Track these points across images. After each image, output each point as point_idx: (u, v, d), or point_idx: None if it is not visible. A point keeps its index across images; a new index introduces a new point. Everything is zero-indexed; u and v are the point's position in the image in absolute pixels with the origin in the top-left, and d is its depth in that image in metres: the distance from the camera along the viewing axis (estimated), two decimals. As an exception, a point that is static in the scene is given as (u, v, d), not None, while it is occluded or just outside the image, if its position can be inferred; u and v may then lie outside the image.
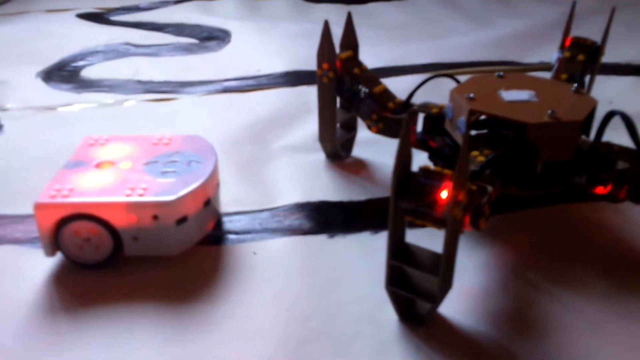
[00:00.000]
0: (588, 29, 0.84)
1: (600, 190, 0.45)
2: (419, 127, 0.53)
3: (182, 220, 0.44)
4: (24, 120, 0.70)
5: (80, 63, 0.87)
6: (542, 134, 0.43)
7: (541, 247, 0.47)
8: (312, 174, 0.58)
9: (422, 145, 0.51)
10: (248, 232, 0.49)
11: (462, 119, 0.45)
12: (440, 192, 0.34)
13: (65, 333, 0.40)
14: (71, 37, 0.98)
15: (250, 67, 0.85)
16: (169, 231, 0.44)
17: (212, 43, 0.96)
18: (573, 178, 0.45)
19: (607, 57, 0.81)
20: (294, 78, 0.80)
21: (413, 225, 0.37)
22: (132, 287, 0.43)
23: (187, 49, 0.94)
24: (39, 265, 0.45)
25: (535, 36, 0.96)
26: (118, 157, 0.49)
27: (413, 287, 0.38)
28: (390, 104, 0.54)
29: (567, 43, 0.60)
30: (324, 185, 0.55)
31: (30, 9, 1.14)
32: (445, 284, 0.37)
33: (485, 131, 0.48)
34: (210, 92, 0.77)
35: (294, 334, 0.39)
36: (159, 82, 0.80)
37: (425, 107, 0.52)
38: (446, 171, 0.35)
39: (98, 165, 0.48)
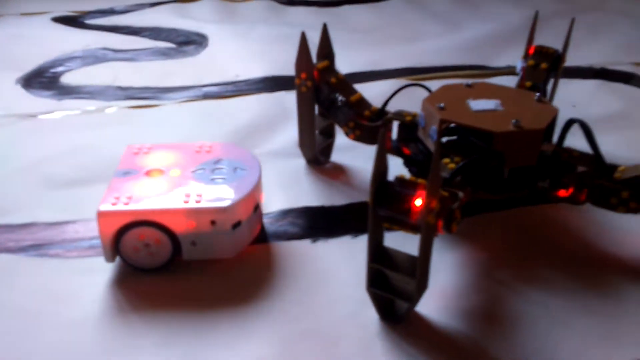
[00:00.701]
0: (552, 32, 0.88)
1: (562, 193, 0.48)
2: (394, 134, 0.56)
3: (237, 224, 0.47)
4: (6, 128, 0.71)
5: (59, 69, 0.88)
6: (508, 142, 0.46)
7: (509, 247, 0.50)
8: (294, 179, 0.60)
9: (397, 152, 0.53)
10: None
11: (434, 128, 0.48)
12: (414, 201, 0.37)
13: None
14: (48, 41, 0.99)
15: (229, 72, 0.86)
16: (225, 235, 0.46)
17: (190, 47, 0.98)
18: (537, 182, 0.49)
19: (570, 61, 0.85)
20: (272, 83, 0.83)
21: (391, 229, 0.40)
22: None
23: (165, 54, 0.95)
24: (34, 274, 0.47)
25: (502, 40, 1.00)
26: (166, 165, 0.51)
27: (392, 288, 0.41)
28: (366, 112, 0.57)
29: (531, 51, 0.63)
30: (306, 191, 0.58)
31: (3, 12, 1.14)
32: (422, 285, 0.40)
33: (455, 138, 0.51)
34: (191, 98, 0.78)
35: (282, 335, 0.41)
36: (139, 88, 0.82)
37: (399, 115, 0.55)
38: (420, 180, 0.38)
39: (148, 173, 0.49)
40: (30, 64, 0.89)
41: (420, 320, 0.43)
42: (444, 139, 0.51)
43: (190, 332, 0.42)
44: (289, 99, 0.77)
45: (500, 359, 0.40)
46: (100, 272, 0.47)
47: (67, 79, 0.85)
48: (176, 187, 0.47)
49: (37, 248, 0.50)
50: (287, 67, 0.86)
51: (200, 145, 0.54)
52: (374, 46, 0.98)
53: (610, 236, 0.51)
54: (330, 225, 0.53)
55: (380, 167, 0.38)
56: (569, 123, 0.49)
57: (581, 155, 0.48)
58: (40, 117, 0.74)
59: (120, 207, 0.45)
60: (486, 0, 1.23)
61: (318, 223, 0.54)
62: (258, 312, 0.43)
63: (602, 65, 0.90)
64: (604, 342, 0.41)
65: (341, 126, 0.57)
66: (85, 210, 0.55)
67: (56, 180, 0.60)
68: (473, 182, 0.47)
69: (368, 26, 1.09)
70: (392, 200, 0.38)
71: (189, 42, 1.00)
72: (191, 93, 0.80)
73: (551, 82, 0.63)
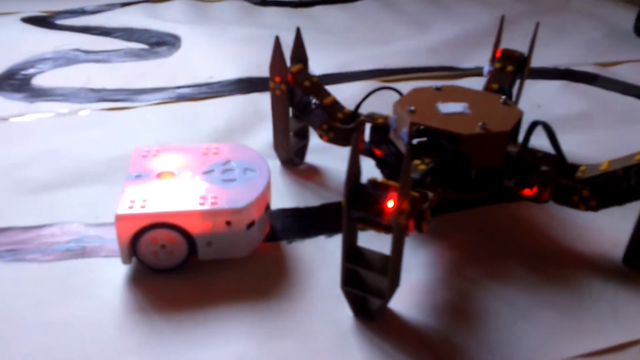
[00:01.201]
0: (518, 34, 0.91)
1: (527, 192, 0.50)
2: (367, 136, 0.57)
3: (251, 224, 0.48)
4: (-22, 131, 0.71)
5: (31, 71, 0.87)
6: (474, 144, 0.48)
7: (477, 244, 0.52)
8: (269, 181, 0.61)
9: (369, 154, 0.55)
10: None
11: (405, 130, 0.50)
12: (386, 202, 0.39)
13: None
14: (18, 43, 0.98)
15: (202, 74, 0.87)
16: (240, 235, 0.47)
17: (163, 48, 0.98)
18: (503, 182, 0.51)
19: (536, 62, 0.87)
20: (246, 85, 0.83)
21: (364, 229, 0.41)
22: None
23: (138, 55, 0.95)
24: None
25: (471, 41, 1.02)
26: (176, 168, 0.51)
27: (365, 286, 0.42)
28: (340, 114, 0.59)
29: (497, 55, 0.65)
30: (281, 192, 0.59)
31: (-29, 13, 1.13)
32: (394, 283, 0.42)
33: (425, 139, 0.53)
34: (165, 100, 0.79)
35: (261, 333, 0.43)
36: (112, 90, 0.82)
37: (371, 117, 0.56)
38: (391, 183, 0.40)
39: (159, 176, 0.50)
40: (0, 66, 0.88)
41: (393, 317, 0.44)
42: (415, 141, 0.52)
43: (173, 332, 0.43)
44: (263, 100, 0.78)
45: (467, 352, 0.41)
46: (79, 274, 0.48)
47: (39, 81, 0.84)
48: (190, 189, 0.48)
49: (13, 253, 0.50)
50: (260, 68, 0.87)
51: (207, 147, 0.55)
52: (346, 47, 0.99)
53: (572, 233, 0.54)
54: (305, 225, 0.55)
55: (354, 169, 0.39)
56: (533, 125, 0.51)
57: (545, 155, 0.50)
58: (11, 120, 0.74)
59: (137, 210, 0.45)
60: (456, 1, 1.26)
61: (293, 224, 0.55)
62: (237, 312, 0.44)
63: (566, 66, 0.93)
64: (564, 334, 0.43)
65: (315, 128, 0.59)
66: (61, 214, 0.55)
67: (30, 184, 0.60)
68: (442, 182, 0.49)
69: (340, 27, 1.10)
70: (365, 202, 0.39)
71: (161, 43, 1.00)
72: (165, 95, 0.81)
73: (517, 83, 0.65)
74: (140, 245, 0.46)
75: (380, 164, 0.54)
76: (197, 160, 0.52)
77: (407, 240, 0.42)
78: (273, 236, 0.53)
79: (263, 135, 0.69)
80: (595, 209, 0.48)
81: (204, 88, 0.83)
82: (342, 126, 0.58)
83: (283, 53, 0.57)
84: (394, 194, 0.38)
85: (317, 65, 0.88)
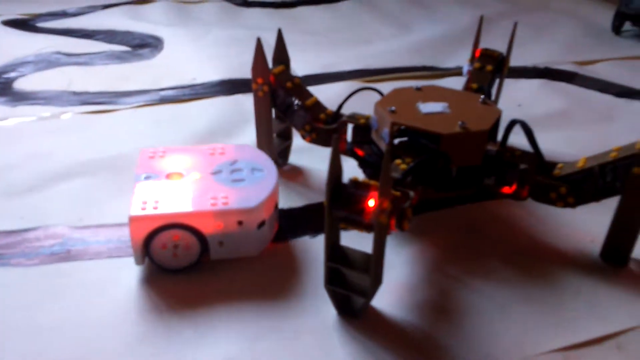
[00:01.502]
0: (498, 33, 0.92)
1: (506, 190, 0.51)
2: (349, 136, 0.58)
3: (262, 224, 0.48)
4: (-40, 136, 0.70)
5: (12, 74, 0.87)
6: (454, 143, 0.49)
7: (458, 242, 0.53)
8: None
9: (352, 154, 0.56)
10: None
11: (386, 130, 0.51)
12: (367, 201, 0.40)
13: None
14: (-1, 46, 0.98)
15: (185, 76, 0.87)
16: (251, 234, 0.48)
17: (145, 50, 0.98)
18: (483, 180, 0.51)
19: (516, 61, 0.89)
20: (229, 86, 0.84)
21: (346, 229, 0.42)
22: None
23: (120, 57, 0.95)
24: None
25: (452, 41, 1.03)
26: (185, 168, 0.52)
27: (348, 285, 0.43)
28: (322, 115, 0.59)
29: (477, 54, 0.66)
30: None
31: (-49, 16, 1.12)
32: (376, 281, 0.42)
33: (406, 139, 0.53)
34: (148, 103, 0.79)
35: (247, 332, 0.43)
36: (94, 93, 0.82)
37: (353, 118, 0.57)
38: (372, 182, 0.40)
39: (168, 177, 0.50)
40: (-19, 70, 0.88)
41: (376, 314, 0.45)
42: (396, 141, 0.53)
43: (161, 333, 0.43)
44: (246, 102, 0.78)
45: (448, 348, 0.42)
46: (65, 278, 0.48)
47: (21, 84, 0.84)
48: (200, 190, 0.49)
49: (-3, 257, 0.51)
50: (244, 69, 0.87)
51: (213, 148, 0.55)
52: (329, 48, 1.00)
53: (551, 229, 0.55)
54: (290, 226, 0.55)
55: (335, 170, 0.39)
56: (511, 124, 0.52)
57: (523, 153, 0.51)
58: (-6, 124, 0.73)
59: (150, 211, 0.46)
60: (437, 1, 1.27)
61: (278, 225, 0.55)
62: (225, 313, 0.45)
63: (546, 64, 0.94)
64: (543, 329, 0.44)
65: (298, 129, 0.59)
66: (45, 217, 0.55)
67: (13, 188, 0.60)
68: (423, 181, 0.50)
69: (323, 28, 1.11)
70: (347, 202, 0.40)
71: (144, 45, 1.00)
72: (148, 97, 0.81)
73: (497, 82, 0.66)
74: (153, 246, 0.46)
75: (363, 164, 0.55)
76: (205, 161, 0.53)
77: (390, 239, 0.43)
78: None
79: (247, 137, 0.69)
80: (572, 205, 0.49)
81: (187, 90, 0.83)
82: (325, 127, 0.58)
83: (265, 54, 0.57)
84: (375, 193, 0.39)
85: (300, 66, 0.89)
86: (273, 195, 0.50)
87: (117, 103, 0.79)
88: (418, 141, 0.51)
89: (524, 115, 0.64)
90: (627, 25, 1.11)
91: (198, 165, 0.52)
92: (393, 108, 0.51)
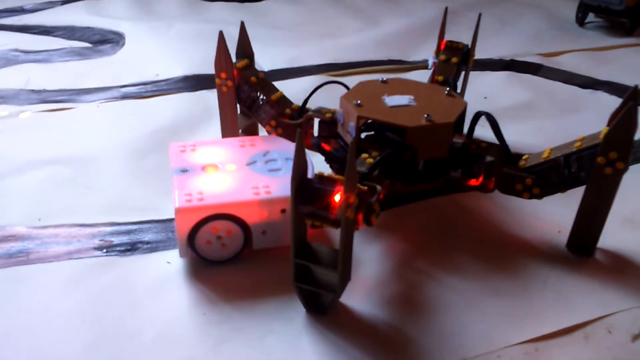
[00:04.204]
0: (464, 26, 0.92)
1: (473, 182, 0.51)
2: (316, 131, 0.57)
3: None
4: None
5: (-33, 72, 0.84)
6: (420, 136, 0.48)
7: (427, 236, 0.53)
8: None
9: (318, 149, 0.55)
10: (160, 241, 0.51)
11: (352, 124, 0.50)
12: (333, 197, 0.39)
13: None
14: (-47, 43, 0.94)
15: (148, 72, 0.85)
16: None
17: (106, 46, 0.95)
18: (450, 172, 0.51)
19: (482, 54, 0.89)
20: (194, 82, 0.82)
21: (313, 225, 0.41)
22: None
23: (80, 54, 0.92)
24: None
25: (419, 34, 1.03)
26: (219, 161, 0.51)
27: (316, 282, 0.42)
28: (288, 110, 0.58)
29: (442, 46, 0.66)
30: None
31: None
32: (344, 277, 0.42)
33: (372, 133, 0.53)
34: (109, 99, 0.77)
35: (211, 335, 0.42)
36: (53, 91, 0.79)
37: (319, 112, 0.56)
38: (338, 177, 0.40)
39: (204, 169, 0.50)
40: None
41: (345, 310, 0.44)
42: (363, 135, 0.52)
43: (121, 336, 0.42)
44: (211, 97, 0.76)
45: (418, 342, 0.42)
46: (23, 281, 0.46)
47: (-24, 83, 0.81)
48: (240, 180, 0.48)
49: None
50: (208, 65, 0.85)
51: (241, 140, 0.55)
52: (295, 42, 0.99)
53: (518, 221, 0.55)
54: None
55: (300, 165, 0.39)
56: (477, 116, 0.52)
57: (489, 145, 0.51)
58: (-52, 124, 0.71)
59: (196, 203, 0.45)
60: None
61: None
62: (189, 314, 0.44)
63: (511, 56, 0.94)
64: (511, 321, 0.44)
65: (263, 125, 0.58)
66: (2, 217, 0.53)
67: (-32, 190, 0.58)
68: (390, 175, 0.49)
69: (289, 22, 1.10)
70: (313, 197, 0.39)
71: (104, 41, 0.98)
72: (109, 94, 0.79)
73: (462, 75, 0.66)
74: (198, 237, 0.46)
75: (329, 158, 0.54)
76: (237, 153, 0.53)
77: (358, 235, 0.42)
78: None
79: (212, 133, 0.68)
80: (538, 196, 0.49)
81: (150, 86, 0.81)
82: (291, 122, 0.57)
83: (228, 48, 0.56)
84: (341, 188, 0.38)
85: (266, 61, 0.88)
86: None
87: (77, 101, 0.77)
88: (384, 135, 0.50)
89: (490, 108, 0.64)
90: (591, 17, 1.13)
91: (231, 157, 0.52)
92: (359, 101, 0.51)
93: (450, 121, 0.49)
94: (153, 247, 0.51)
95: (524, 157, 0.50)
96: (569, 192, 0.48)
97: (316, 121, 0.56)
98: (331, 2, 1.22)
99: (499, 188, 0.50)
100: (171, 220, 0.54)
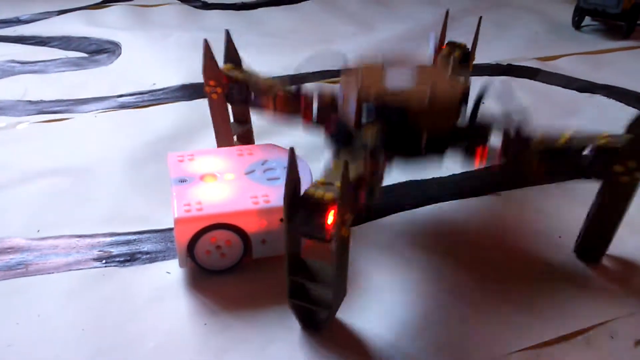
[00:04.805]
0: (462, 30, 0.91)
1: (479, 152, 0.49)
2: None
3: None
4: None
5: (-37, 84, 0.84)
6: (423, 117, 0.47)
7: (424, 245, 0.52)
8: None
9: (318, 126, 0.54)
10: (159, 251, 0.51)
11: (353, 105, 0.49)
12: (327, 216, 0.37)
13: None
14: (-51, 55, 0.94)
15: (145, 81, 0.85)
16: None
17: (103, 56, 0.95)
18: (454, 145, 0.50)
19: (480, 58, 0.89)
20: (190, 91, 0.82)
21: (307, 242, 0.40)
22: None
23: (77, 64, 0.92)
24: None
25: (414, 39, 1.03)
26: (217, 170, 0.51)
27: (311, 298, 0.41)
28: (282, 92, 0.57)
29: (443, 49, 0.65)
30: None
31: None
32: (340, 293, 0.41)
33: (374, 112, 0.51)
34: (106, 109, 0.77)
35: (212, 345, 0.42)
36: (50, 102, 0.79)
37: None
38: (329, 196, 0.38)
39: (202, 178, 0.50)
40: None
41: (340, 326, 0.43)
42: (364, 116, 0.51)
43: (123, 346, 0.41)
44: (207, 106, 0.76)
45: (418, 349, 0.41)
46: (22, 293, 0.46)
47: (-27, 94, 0.81)
48: (238, 190, 0.48)
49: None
50: (204, 73, 0.85)
51: (239, 149, 0.55)
52: (290, 50, 0.99)
53: (522, 227, 0.54)
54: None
55: (292, 183, 0.38)
56: (480, 97, 0.50)
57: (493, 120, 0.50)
58: (-55, 136, 0.70)
59: (195, 213, 0.45)
60: (399, 0, 1.27)
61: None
62: (189, 324, 0.43)
63: (508, 61, 0.94)
64: (512, 328, 0.43)
65: (263, 106, 0.57)
66: (4, 229, 0.53)
67: (-34, 202, 0.57)
68: (393, 148, 0.48)
69: (284, 29, 1.10)
70: (305, 217, 0.38)
71: (101, 51, 0.97)
72: (106, 104, 0.78)
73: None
74: (198, 247, 0.46)
75: (329, 139, 0.53)
76: (235, 162, 0.53)
77: (355, 243, 0.42)
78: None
79: (210, 142, 0.67)
80: (542, 176, 0.47)
81: (147, 96, 0.81)
82: (287, 91, 0.56)
83: (214, 56, 0.56)
84: (334, 208, 0.37)
85: (260, 68, 0.87)
86: None
87: (74, 111, 0.76)
88: (386, 115, 0.49)
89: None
90: (587, 20, 1.13)
91: (230, 167, 0.52)
92: (360, 82, 0.49)
93: (454, 101, 0.48)
94: (152, 257, 0.50)
95: (538, 137, 0.49)
96: (566, 197, 0.48)
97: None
98: (326, 8, 1.22)
99: (507, 162, 0.49)
100: (170, 230, 0.54)
